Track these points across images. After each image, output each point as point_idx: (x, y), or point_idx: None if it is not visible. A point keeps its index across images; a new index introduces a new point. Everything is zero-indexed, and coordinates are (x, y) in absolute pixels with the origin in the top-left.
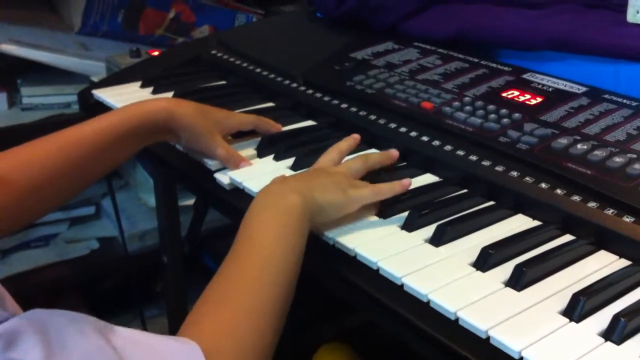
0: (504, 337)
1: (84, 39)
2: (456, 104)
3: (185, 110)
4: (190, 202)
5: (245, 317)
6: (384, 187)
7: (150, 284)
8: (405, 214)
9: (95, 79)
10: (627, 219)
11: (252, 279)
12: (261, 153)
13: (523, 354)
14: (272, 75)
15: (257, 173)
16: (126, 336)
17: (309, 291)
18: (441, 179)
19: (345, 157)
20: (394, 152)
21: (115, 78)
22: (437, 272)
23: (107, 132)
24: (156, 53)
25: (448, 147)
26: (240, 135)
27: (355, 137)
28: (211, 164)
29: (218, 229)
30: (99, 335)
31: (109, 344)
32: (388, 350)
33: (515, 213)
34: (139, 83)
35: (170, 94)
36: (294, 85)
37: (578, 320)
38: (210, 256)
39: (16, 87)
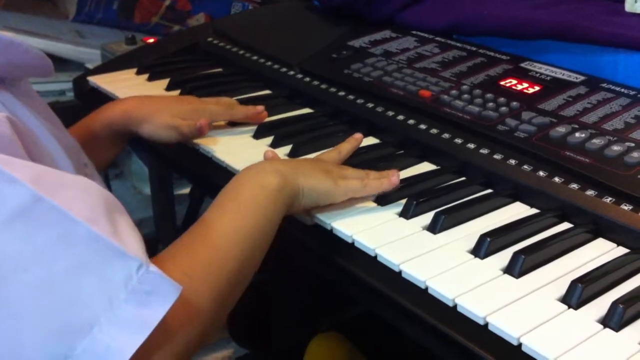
0: (503, 324)
1: (79, 26)
2: (454, 92)
3: (143, 112)
4: (186, 190)
5: (211, 269)
6: (372, 182)
7: None
8: (403, 201)
9: (90, 66)
10: (625, 207)
11: (225, 238)
12: (257, 139)
13: (522, 340)
14: (269, 63)
15: (255, 160)
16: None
17: (305, 282)
18: (439, 167)
19: (345, 157)
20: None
21: (111, 65)
22: (435, 259)
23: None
24: (152, 40)
25: (446, 135)
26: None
27: (357, 138)
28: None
29: None
30: (103, 204)
31: (108, 217)
32: (384, 340)
33: (513, 201)
34: (134, 70)
35: (166, 81)
36: (291, 73)
37: (576, 307)
38: None
39: None
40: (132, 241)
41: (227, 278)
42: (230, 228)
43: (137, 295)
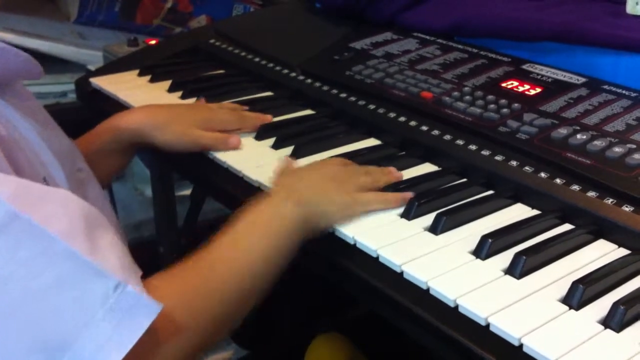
0: (504, 324)
1: (80, 28)
2: (455, 94)
3: (156, 122)
4: (187, 192)
5: (204, 299)
6: (389, 196)
7: (146, 274)
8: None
9: (92, 68)
10: (626, 209)
11: (233, 270)
12: (259, 140)
13: (523, 341)
14: (271, 65)
15: (257, 161)
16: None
17: (306, 283)
18: (440, 168)
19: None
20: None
21: (113, 67)
22: (437, 259)
23: (86, 155)
24: (154, 42)
25: (447, 137)
26: None
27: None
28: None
29: (214, 220)
30: (82, 221)
31: (87, 234)
32: (384, 340)
33: (515, 202)
34: (136, 72)
35: (168, 83)
36: (293, 74)
37: (577, 308)
38: None
39: None
40: (112, 258)
41: (225, 305)
42: (237, 258)
43: (115, 314)
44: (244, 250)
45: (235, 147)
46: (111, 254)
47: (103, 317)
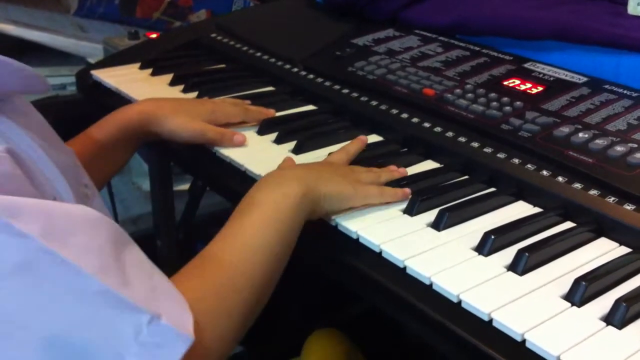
0: (507, 320)
1: (81, 20)
2: (458, 91)
3: (163, 111)
4: (185, 186)
5: (225, 291)
6: (389, 190)
7: None
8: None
9: (92, 60)
10: (628, 207)
11: (236, 257)
12: (262, 135)
13: (526, 336)
14: (273, 60)
15: (259, 156)
16: (133, 260)
17: (303, 278)
18: (442, 165)
19: (352, 158)
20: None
21: (113, 60)
22: (440, 255)
23: (92, 148)
24: (154, 36)
25: (450, 134)
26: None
27: (363, 139)
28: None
29: (212, 215)
30: (110, 246)
31: (117, 262)
32: (382, 336)
33: (517, 200)
34: (137, 65)
35: (169, 76)
36: (295, 70)
37: (580, 305)
38: (203, 243)
39: None
40: (142, 286)
41: (246, 298)
42: (253, 242)
43: (148, 349)
44: (257, 234)
45: (241, 145)
46: (141, 281)
47: (136, 353)
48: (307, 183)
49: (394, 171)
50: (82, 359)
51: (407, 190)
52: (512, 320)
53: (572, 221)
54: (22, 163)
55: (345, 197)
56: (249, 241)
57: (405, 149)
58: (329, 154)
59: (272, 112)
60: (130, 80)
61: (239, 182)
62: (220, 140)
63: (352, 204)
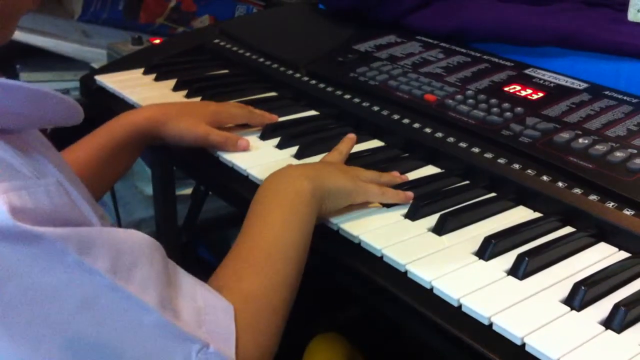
0: (507, 324)
1: (85, 25)
2: (459, 97)
3: (168, 116)
4: (188, 191)
5: (259, 293)
6: (391, 190)
7: None
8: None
9: (95, 65)
10: (627, 212)
11: (263, 260)
12: (264, 140)
13: (525, 340)
14: (275, 65)
15: (262, 161)
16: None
17: (304, 282)
18: (443, 170)
19: (346, 157)
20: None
21: (117, 65)
22: (441, 260)
23: (98, 153)
24: (158, 41)
25: (451, 139)
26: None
27: (352, 137)
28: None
29: (215, 219)
30: (164, 273)
31: (170, 290)
32: (383, 341)
33: (517, 205)
34: (141, 70)
35: (173, 82)
36: (297, 75)
37: (579, 309)
38: (205, 247)
39: (15, 72)
40: (190, 314)
41: (282, 296)
42: (281, 242)
43: None
44: (283, 234)
45: (245, 149)
46: (189, 305)
47: None
48: (313, 179)
49: (395, 176)
50: None
51: (410, 193)
52: (512, 324)
53: (572, 226)
54: (67, 194)
55: (345, 192)
56: (277, 241)
57: (407, 154)
58: (324, 156)
59: (275, 118)
60: (134, 85)
61: (242, 186)
62: (224, 144)
63: (352, 200)
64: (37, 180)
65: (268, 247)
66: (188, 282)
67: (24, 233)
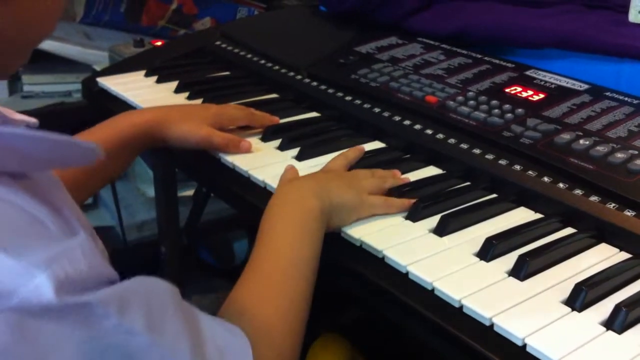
0: (508, 325)
1: (86, 28)
2: (460, 98)
3: (170, 118)
4: (190, 193)
5: (280, 316)
6: (396, 202)
7: (148, 274)
8: None
9: (97, 68)
10: (628, 213)
11: (279, 279)
12: (265, 142)
13: (527, 341)
14: (277, 67)
15: (263, 162)
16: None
17: None
18: (444, 172)
19: (351, 164)
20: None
21: (119, 67)
22: (442, 261)
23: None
24: (160, 43)
25: (452, 141)
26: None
27: (361, 149)
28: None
29: (216, 221)
30: (186, 318)
31: (196, 337)
32: (384, 342)
33: (518, 206)
34: (143, 72)
35: (174, 84)
36: (299, 77)
37: (580, 310)
38: (206, 250)
39: (17, 75)
40: (216, 355)
41: (300, 315)
42: (295, 261)
43: None
44: (296, 253)
45: (247, 151)
46: (215, 349)
47: None
48: (322, 196)
49: (397, 178)
50: None
51: (412, 200)
52: (513, 325)
53: (573, 227)
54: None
55: (352, 207)
56: (294, 260)
57: (408, 156)
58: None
59: (276, 119)
60: (135, 87)
61: (243, 188)
62: (227, 146)
63: (357, 215)
64: (69, 240)
65: (285, 267)
66: (207, 323)
67: (69, 306)
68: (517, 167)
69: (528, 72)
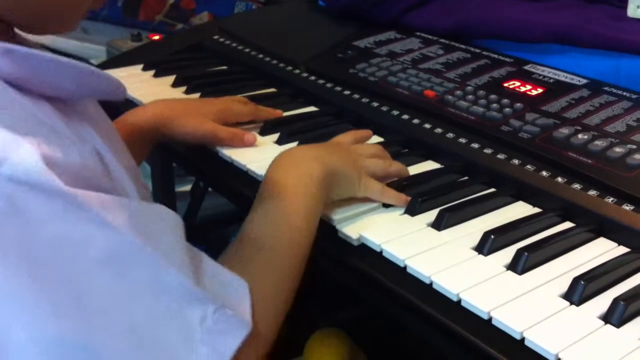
0: (506, 319)
1: (84, 23)
2: (458, 93)
3: (175, 113)
4: (187, 188)
5: (274, 274)
6: (393, 193)
7: None
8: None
9: (95, 62)
10: (627, 208)
11: (278, 239)
12: (264, 136)
13: (525, 335)
14: (275, 62)
15: (261, 156)
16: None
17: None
18: (443, 166)
19: (357, 142)
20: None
21: (116, 61)
22: (440, 255)
23: None
24: (157, 38)
25: (450, 135)
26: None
27: (369, 132)
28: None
29: (214, 216)
30: (186, 244)
31: (191, 259)
32: (383, 336)
33: (516, 200)
34: (140, 67)
35: (172, 78)
36: (297, 72)
37: (578, 304)
38: (204, 244)
39: None
40: (213, 282)
41: (291, 282)
42: (296, 225)
43: (212, 335)
44: (297, 217)
45: (252, 144)
46: (213, 278)
47: (201, 339)
48: (325, 163)
49: (402, 169)
50: (155, 349)
51: (408, 197)
52: (511, 319)
53: (572, 221)
54: (103, 163)
55: (350, 182)
56: (292, 224)
57: (406, 150)
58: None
59: (279, 113)
60: (133, 81)
61: (241, 182)
62: (232, 140)
63: (353, 193)
64: (73, 143)
65: (279, 232)
66: (209, 260)
67: (55, 187)
68: (516, 161)
69: (527, 67)
